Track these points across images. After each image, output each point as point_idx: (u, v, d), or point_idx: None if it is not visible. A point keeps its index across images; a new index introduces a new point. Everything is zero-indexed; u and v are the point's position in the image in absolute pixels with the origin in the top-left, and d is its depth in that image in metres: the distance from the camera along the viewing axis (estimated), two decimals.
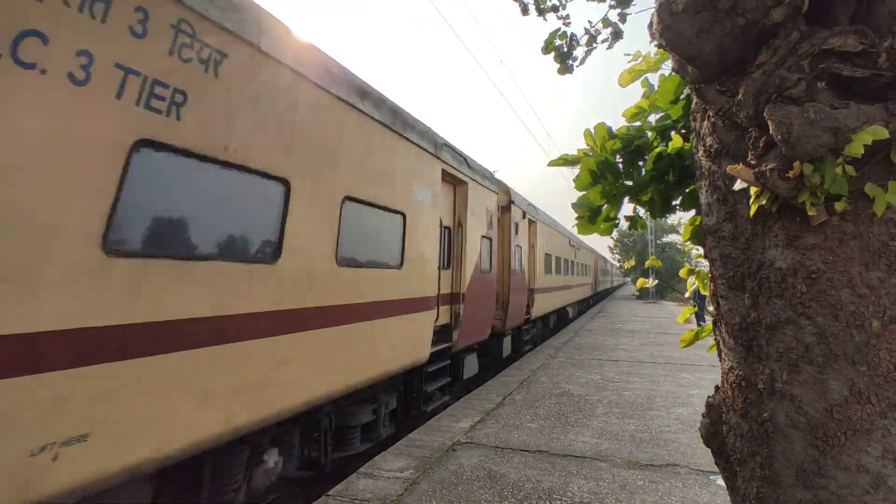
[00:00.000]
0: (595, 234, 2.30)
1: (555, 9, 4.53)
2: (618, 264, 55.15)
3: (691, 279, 2.47)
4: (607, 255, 50.28)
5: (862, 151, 1.13)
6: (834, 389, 1.26)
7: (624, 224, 2.35)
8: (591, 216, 2.25)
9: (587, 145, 2.20)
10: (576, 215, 2.28)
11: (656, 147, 2.09)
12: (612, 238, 51.02)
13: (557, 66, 4.51)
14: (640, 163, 2.18)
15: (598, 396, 7.08)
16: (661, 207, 2.16)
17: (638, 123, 2.18)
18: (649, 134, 2.18)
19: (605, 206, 2.23)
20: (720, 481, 4.11)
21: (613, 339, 13.46)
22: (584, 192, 2.22)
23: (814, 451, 1.28)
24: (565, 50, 4.42)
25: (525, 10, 4.53)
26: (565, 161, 2.24)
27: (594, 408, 6.48)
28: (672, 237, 46.53)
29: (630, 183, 2.19)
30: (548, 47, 4.36)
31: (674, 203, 2.17)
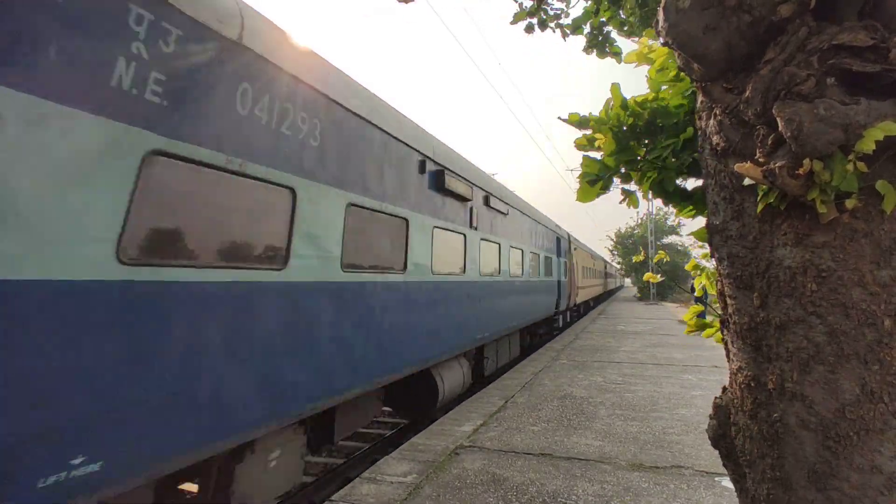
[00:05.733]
0: (590, 201, 2.18)
1: (556, 17, 4.52)
2: (618, 265, 55.02)
3: (696, 277, 2.43)
4: (607, 256, 50.09)
5: (873, 147, 1.12)
6: (846, 389, 1.24)
7: (620, 201, 2.23)
8: (595, 179, 2.12)
9: (605, 110, 2.06)
10: (579, 177, 2.13)
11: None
12: (611, 240, 50.92)
13: (596, 52, 4.53)
14: (648, 141, 2.09)
15: (600, 398, 7.06)
16: (660, 189, 2.06)
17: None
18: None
19: (608, 174, 2.11)
20: (725, 483, 4.08)
21: (615, 341, 13.43)
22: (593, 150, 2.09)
23: (825, 451, 1.26)
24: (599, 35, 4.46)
25: (521, 18, 4.51)
26: (577, 122, 2.11)
27: (597, 410, 6.45)
28: (672, 238, 46.37)
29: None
30: (590, 44, 4.45)
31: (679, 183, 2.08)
